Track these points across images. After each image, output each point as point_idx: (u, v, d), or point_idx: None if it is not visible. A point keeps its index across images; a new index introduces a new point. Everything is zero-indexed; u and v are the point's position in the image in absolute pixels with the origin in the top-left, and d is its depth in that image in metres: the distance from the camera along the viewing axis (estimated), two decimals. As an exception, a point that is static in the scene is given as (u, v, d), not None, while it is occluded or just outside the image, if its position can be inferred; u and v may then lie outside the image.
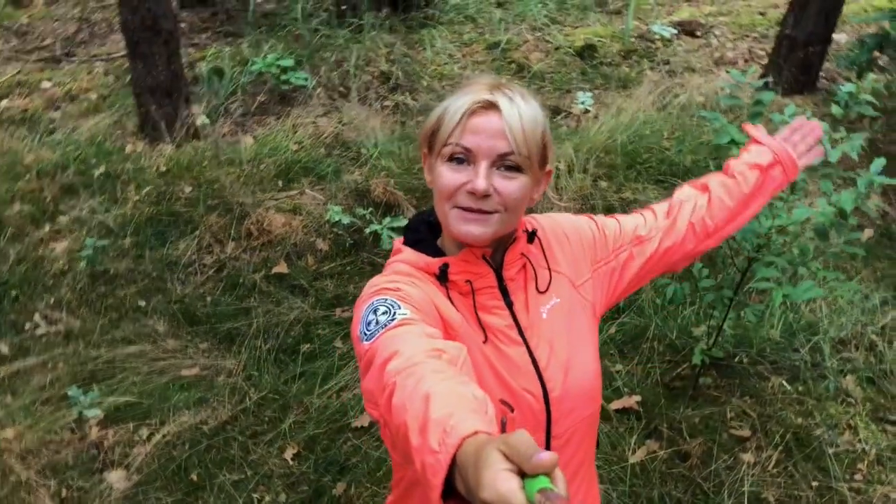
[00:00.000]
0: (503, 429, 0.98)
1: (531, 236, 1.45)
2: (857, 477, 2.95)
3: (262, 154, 4.79)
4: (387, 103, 5.50)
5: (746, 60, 5.93)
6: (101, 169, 4.66)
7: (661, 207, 1.62)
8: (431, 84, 5.64)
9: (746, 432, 3.10)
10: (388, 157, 4.75)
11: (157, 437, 3.16)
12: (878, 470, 2.97)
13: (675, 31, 6.24)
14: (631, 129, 4.79)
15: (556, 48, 6.08)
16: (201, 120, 5.07)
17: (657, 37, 6.22)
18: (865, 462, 3.00)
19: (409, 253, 1.41)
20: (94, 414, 3.27)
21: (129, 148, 4.88)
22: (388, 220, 4.19)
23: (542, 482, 0.72)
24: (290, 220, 4.32)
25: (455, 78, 5.70)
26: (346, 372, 3.48)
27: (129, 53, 4.90)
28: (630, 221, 1.59)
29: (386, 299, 1.26)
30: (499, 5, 6.86)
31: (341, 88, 5.57)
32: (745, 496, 2.84)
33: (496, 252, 1.39)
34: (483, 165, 1.27)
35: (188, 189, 4.46)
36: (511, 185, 1.29)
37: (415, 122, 5.24)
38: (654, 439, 3.08)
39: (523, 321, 1.40)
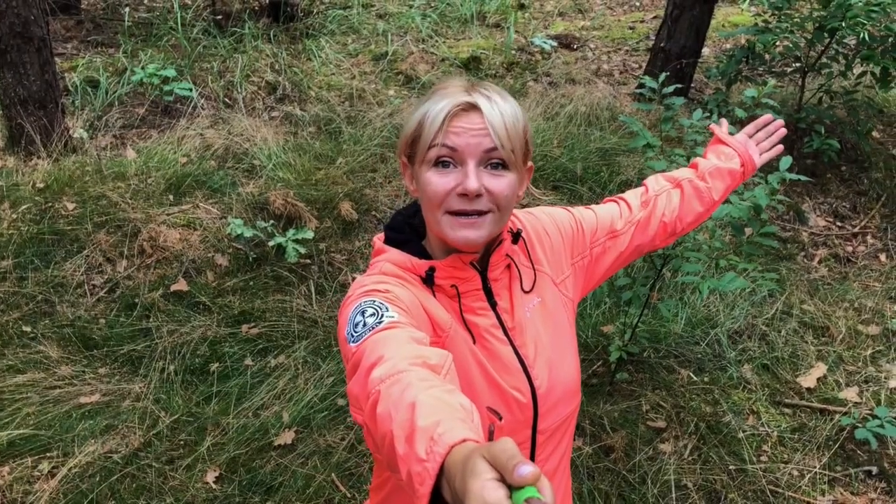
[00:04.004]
0: (490, 437, 0.98)
1: (515, 237, 1.46)
2: (764, 458, 3.15)
3: (148, 168, 4.56)
4: (275, 114, 5.38)
5: (622, 72, 6.23)
6: (-32, 187, 4.28)
7: (634, 199, 1.66)
8: (320, 94, 5.57)
9: (662, 423, 3.24)
10: (284, 169, 4.64)
11: (63, 470, 2.93)
12: (782, 450, 3.18)
13: (554, 45, 6.47)
14: (525, 138, 4.90)
15: (442, 60, 6.16)
16: (79, 133, 4.77)
17: (537, 49, 6.42)
18: (769, 443, 3.21)
19: (395, 253, 1.38)
20: (-15, 451, 3.00)
21: (-2, 163, 4.51)
22: (291, 232, 4.08)
23: (529, 491, 0.72)
24: (186, 235, 4.13)
25: (344, 88, 5.66)
26: (261, 390, 3.37)
27: (-6, 62, 4.53)
28: (606, 213, 1.62)
29: (374, 300, 1.23)
30: (380, 17, 6.87)
31: (227, 99, 5.39)
32: (668, 485, 2.96)
33: (482, 255, 1.39)
34: (471, 165, 1.27)
35: (71, 206, 4.18)
36: (500, 183, 1.29)
37: (307, 132, 5.16)
38: (579, 436, 3.16)
39: (507, 321, 1.41)
